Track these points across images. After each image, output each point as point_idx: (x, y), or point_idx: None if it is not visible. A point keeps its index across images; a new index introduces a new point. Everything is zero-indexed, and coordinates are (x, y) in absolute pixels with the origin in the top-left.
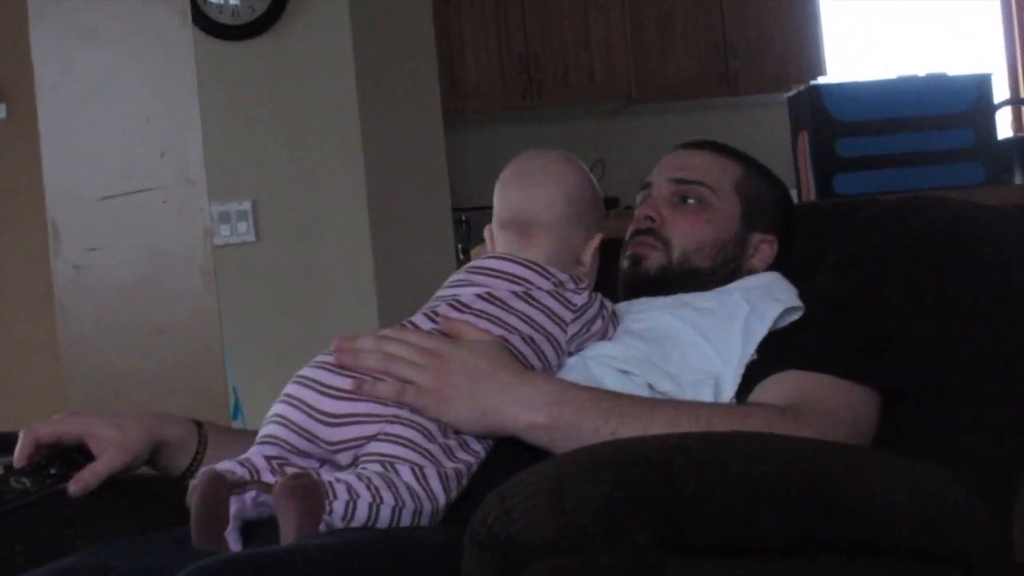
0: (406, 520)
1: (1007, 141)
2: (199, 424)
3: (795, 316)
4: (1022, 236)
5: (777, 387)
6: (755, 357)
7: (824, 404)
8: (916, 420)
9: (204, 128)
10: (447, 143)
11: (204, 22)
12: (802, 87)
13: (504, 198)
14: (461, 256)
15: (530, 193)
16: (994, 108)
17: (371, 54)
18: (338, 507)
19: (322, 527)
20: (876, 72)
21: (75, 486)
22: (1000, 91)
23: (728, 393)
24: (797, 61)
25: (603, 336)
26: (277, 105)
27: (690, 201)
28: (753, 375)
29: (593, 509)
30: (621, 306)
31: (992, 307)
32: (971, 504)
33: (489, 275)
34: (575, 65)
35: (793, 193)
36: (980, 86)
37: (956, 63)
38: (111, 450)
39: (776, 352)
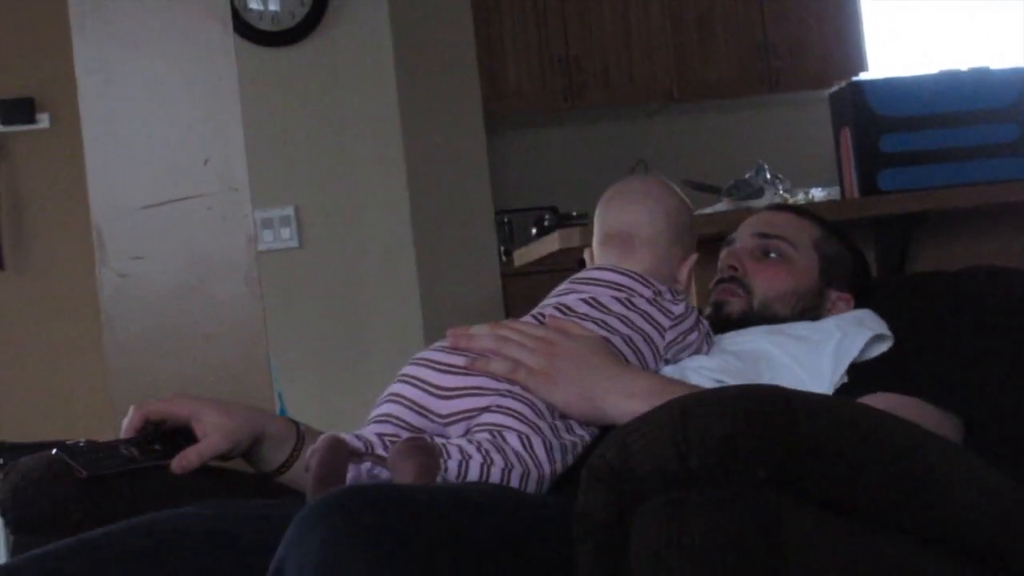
0: (515, 482)
1: None
2: (297, 425)
3: (885, 347)
4: None
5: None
6: (846, 380)
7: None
8: (989, 453)
9: (246, 135)
10: (488, 146)
11: (245, 29)
12: (843, 84)
13: (606, 216)
14: (504, 258)
15: (632, 211)
16: None
17: (411, 58)
18: (452, 465)
19: (438, 480)
20: (918, 67)
21: (178, 464)
22: None
23: None
24: (838, 58)
25: (699, 350)
26: (319, 110)
27: (772, 255)
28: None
29: (715, 443)
30: (718, 338)
31: None
32: None
33: (592, 284)
34: (616, 66)
35: (836, 190)
36: (1023, 80)
37: (999, 57)
38: (215, 434)
39: (867, 376)
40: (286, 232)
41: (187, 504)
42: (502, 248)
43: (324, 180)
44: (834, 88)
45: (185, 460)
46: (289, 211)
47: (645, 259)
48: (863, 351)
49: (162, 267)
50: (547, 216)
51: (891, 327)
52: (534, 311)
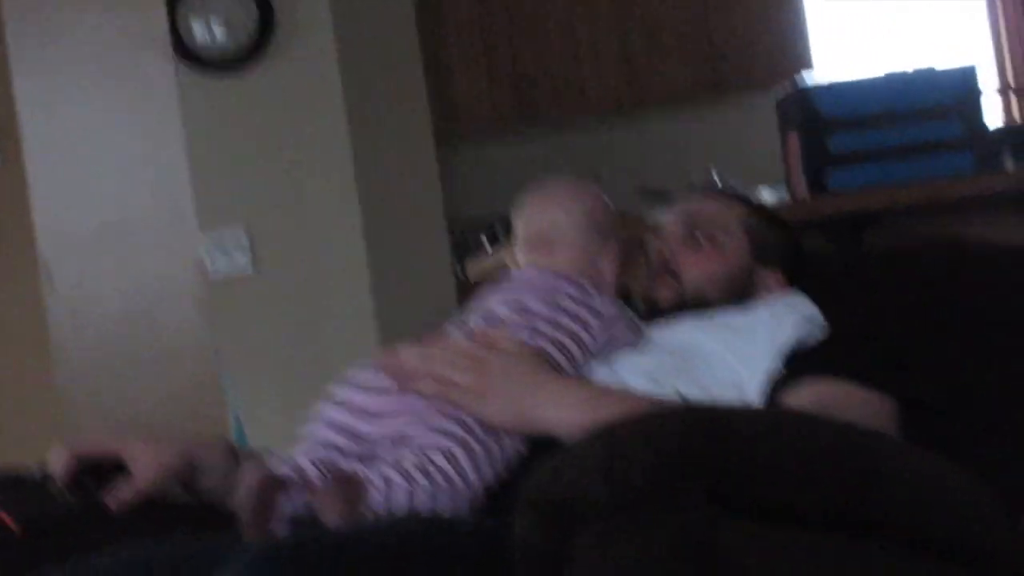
0: (443, 502)
1: (996, 130)
2: (235, 451)
3: (819, 334)
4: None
5: (799, 394)
6: (780, 368)
7: (848, 410)
8: (931, 433)
9: (196, 162)
10: (440, 164)
11: (190, 57)
12: (789, 87)
13: (526, 221)
14: (459, 271)
15: (549, 212)
16: (981, 98)
17: (359, 80)
18: (376, 496)
19: (364, 516)
20: (862, 66)
21: (113, 502)
22: (987, 80)
23: (753, 403)
24: (783, 58)
25: (628, 343)
26: (268, 135)
27: (699, 238)
28: (778, 385)
29: (643, 469)
30: (649, 328)
31: (1003, 339)
32: (999, 509)
33: (518, 287)
34: (565, 79)
35: (784, 189)
36: (966, 78)
37: (941, 54)
38: (148, 469)
39: (801, 364)
40: (241, 258)
41: (122, 546)
42: (457, 264)
43: (275, 204)
44: (780, 91)
45: (120, 497)
46: (242, 236)
47: (566, 258)
48: (797, 338)
49: (111, 294)
50: (501, 229)
51: (828, 306)
52: (461, 320)
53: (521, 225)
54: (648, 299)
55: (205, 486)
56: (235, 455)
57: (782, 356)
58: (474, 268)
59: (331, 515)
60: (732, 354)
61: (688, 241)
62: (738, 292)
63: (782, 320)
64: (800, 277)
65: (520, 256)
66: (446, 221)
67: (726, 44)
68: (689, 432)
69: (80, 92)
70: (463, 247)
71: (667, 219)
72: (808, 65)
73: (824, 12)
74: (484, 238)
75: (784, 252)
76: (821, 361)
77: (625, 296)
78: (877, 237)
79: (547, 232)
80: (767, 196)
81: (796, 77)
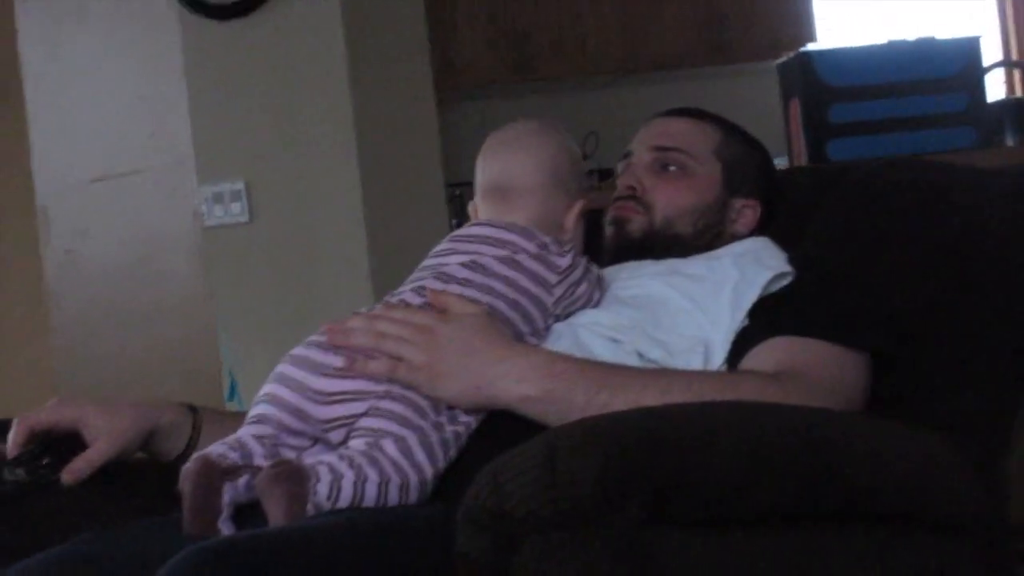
0: (393, 494)
1: (998, 103)
2: (194, 409)
3: (785, 281)
4: (1004, 200)
5: (767, 353)
6: (746, 323)
7: (814, 369)
8: (904, 383)
9: (196, 109)
10: (440, 119)
11: (193, 2)
12: (792, 54)
13: (484, 169)
14: (455, 229)
15: (508, 161)
16: (984, 71)
17: (362, 32)
18: (322, 489)
19: (309, 509)
20: (866, 37)
21: (69, 476)
22: (991, 54)
23: (718, 360)
24: (787, 28)
25: (589, 300)
26: (269, 84)
27: (670, 168)
28: (743, 341)
29: (584, 483)
30: (609, 271)
31: (974, 273)
32: (962, 469)
33: (473, 242)
34: (567, 38)
35: (786, 160)
36: (970, 49)
37: (947, 26)
38: (104, 438)
39: (766, 318)
40: (236, 206)
41: (70, 531)
42: (454, 221)
43: (275, 154)
44: (783, 59)
45: (75, 472)
46: (240, 185)
47: (525, 210)
48: (763, 289)
49: (108, 242)
50: None
51: (794, 233)
52: (413, 278)
53: (480, 172)
54: (619, 227)
55: (165, 448)
56: (195, 417)
57: (748, 309)
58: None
59: (275, 509)
60: (697, 308)
61: (658, 171)
62: (710, 223)
63: (748, 273)
64: (774, 204)
65: (479, 205)
66: (444, 177)
67: (729, 10)
68: (629, 443)
69: (83, 35)
70: (460, 204)
71: (637, 147)
72: (812, 38)
73: None
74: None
75: (759, 180)
76: (787, 314)
77: (590, 245)
78: None
79: (506, 182)
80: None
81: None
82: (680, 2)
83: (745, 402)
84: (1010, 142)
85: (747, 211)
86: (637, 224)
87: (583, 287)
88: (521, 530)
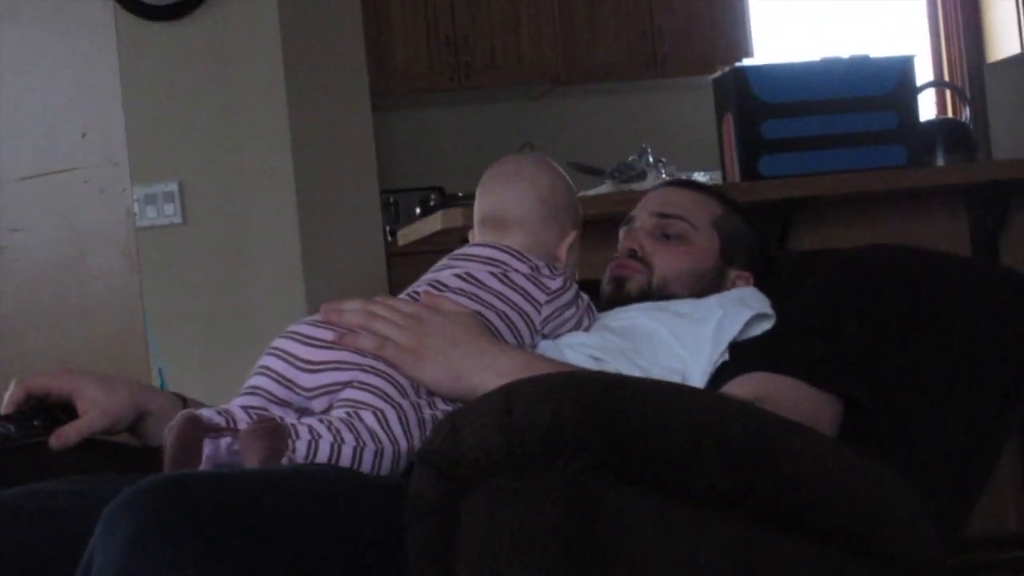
0: (367, 461)
1: (929, 123)
2: (184, 399)
3: (768, 325)
4: (969, 290)
5: (744, 385)
6: (727, 358)
7: (787, 404)
8: (873, 433)
9: (130, 110)
10: (375, 125)
11: (130, 2)
12: (727, 69)
13: (481, 200)
14: (389, 238)
15: (504, 192)
16: (916, 90)
17: (298, 35)
18: (300, 446)
19: (284, 463)
20: (801, 55)
21: (56, 440)
22: (923, 73)
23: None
24: (723, 44)
25: (578, 325)
26: (204, 86)
27: (671, 235)
28: (723, 375)
29: (538, 429)
30: (602, 314)
31: (949, 346)
32: (913, 505)
33: (468, 259)
34: (503, 47)
35: (719, 175)
36: (903, 68)
37: (880, 45)
38: (95, 411)
39: (746, 355)
40: (169, 208)
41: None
42: (387, 228)
43: (209, 156)
44: (717, 73)
45: (63, 437)
46: (173, 187)
47: (520, 238)
48: (745, 329)
49: (39, 240)
50: (433, 196)
51: (780, 303)
52: (410, 288)
53: (477, 204)
54: (618, 285)
55: (152, 431)
56: (184, 404)
57: (728, 345)
58: (405, 234)
59: (252, 459)
60: (677, 339)
61: (659, 237)
62: (705, 289)
63: (730, 310)
64: (766, 279)
65: (476, 233)
66: (379, 183)
67: (665, 24)
68: (584, 398)
69: (14, 34)
70: (395, 211)
71: (640, 213)
72: (749, 54)
73: (766, 2)
74: (418, 206)
75: (753, 253)
76: (766, 353)
77: (585, 282)
78: (804, 224)
79: (502, 213)
80: (700, 179)
81: (735, 66)
82: (617, 15)
83: (706, 392)
84: (940, 161)
85: (740, 282)
86: (636, 282)
87: (572, 310)
88: (473, 474)
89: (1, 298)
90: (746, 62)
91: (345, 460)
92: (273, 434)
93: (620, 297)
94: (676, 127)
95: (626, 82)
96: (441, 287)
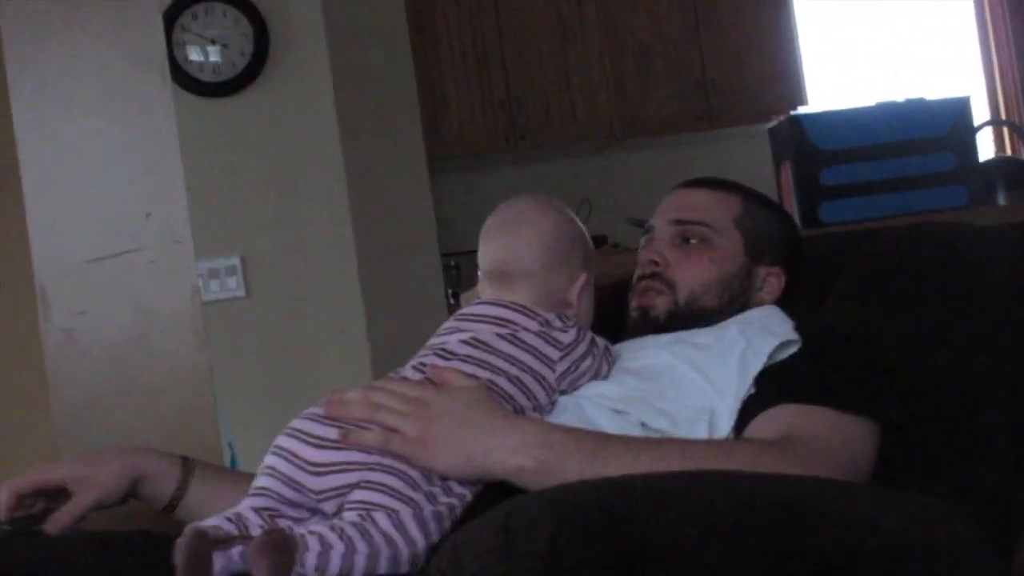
0: (383, 567)
1: (989, 162)
2: (186, 459)
3: (793, 349)
4: (1009, 255)
5: (772, 421)
6: (753, 391)
7: (818, 437)
8: (916, 450)
9: (190, 185)
10: (433, 189)
11: (186, 80)
12: (783, 118)
13: (484, 250)
14: (451, 301)
15: (507, 242)
16: (974, 130)
17: (353, 104)
18: (310, 559)
19: None
20: (857, 99)
21: (52, 526)
22: (980, 113)
23: (724, 429)
24: (777, 92)
25: (597, 373)
26: (262, 159)
27: (692, 241)
28: (749, 410)
29: (539, 555)
30: (621, 345)
31: (994, 337)
32: (965, 540)
33: (475, 320)
34: (557, 106)
35: None
36: (959, 109)
37: (935, 87)
38: (86, 487)
39: (774, 386)
40: (232, 281)
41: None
42: (449, 291)
43: (270, 228)
44: (773, 123)
45: (59, 520)
46: (235, 261)
47: (526, 290)
48: (769, 356)
49: (107, 321)
50: None
51: (810, 307)
52: (416, 356)
53: (481, 256)
54: (644, 314)
55: (153, 494)
56: (186, 464)
57: (754, 377)
58: (467, 297)
59: (261, 575)
60: (703, 377)
61: (680, 244)
62: (735, 295)
63: (753, 340)
64: (799, 270)
65: (480, 286)
66: (439, 248)
67: (718, 75)
68: (581, 514)
69: (77, 115)
70: (456, 273)
71: (657, 221)
72: (803, 101)
73: (819, 45)
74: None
75: (782, 245)
76: (793, 383)
77: (598, 322)
78: None
79: (506, 264)
80: None
81: (791, 112)
82: (668, 68)
83: (713, 470)
84: (1002, 200)
85: (771, 279)
86: (662, 305)
87: (588, 361)
88: None
89: (70, 381)
90: (801, 110)
91: (358, 571)
92: (281, 548)
93: (648, 323)
94: (733, 176)
95: (681, 134)
96: (448, 355)
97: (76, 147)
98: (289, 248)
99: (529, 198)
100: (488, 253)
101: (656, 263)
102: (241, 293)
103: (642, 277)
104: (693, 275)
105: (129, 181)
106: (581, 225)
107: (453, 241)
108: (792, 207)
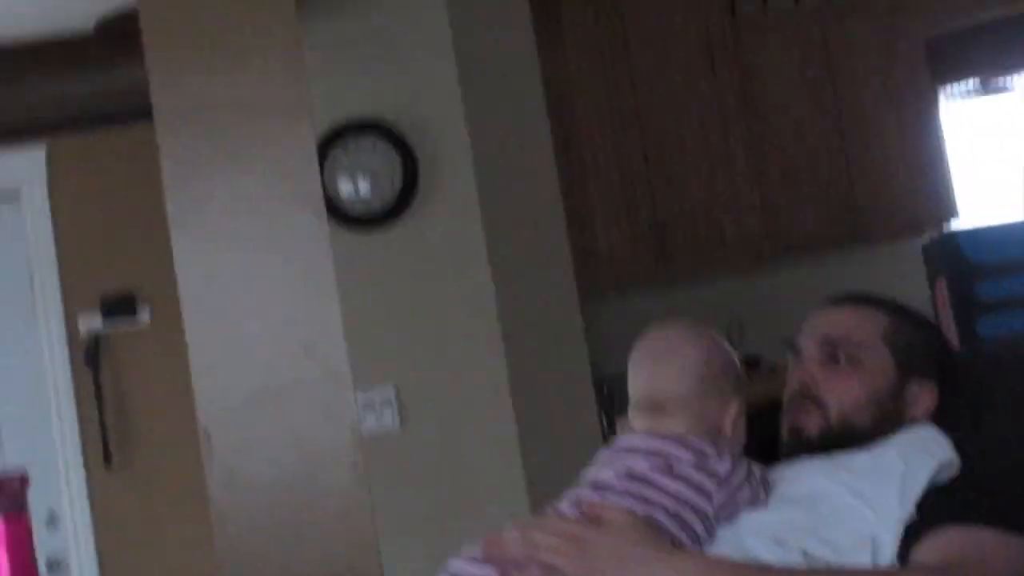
0: None
1: None
2: None
3: (952, 470)
4: None
5: (936, 545)
6: (914, 515)
7: (983, 560)
8: None
9: (343, 318)
10: (584, 314)
11: (338, 214)
12: (935, 232)
13: (634, 379)
14: (606, 427)
15: (657, 371)
16: None
17: (503, 233)
18: None
19: None
20: (1008, 211)
21: None
22: None
23: (887, 555)
24: (927, 206)
25: (753, 502)
26: (413, 290)
27: (840, 360)
28: (912, 534)
29: None
30: (776, 468)
31: None
32: None
33: (629, 453)
34: (705, 227)
35: None
36: None
37: None
38: None
39: (935, 509)
40: (387, 413)
41: None
42: (603, 416)
43: (422, 358)
44: (925, 237)
45: None
46: (390, 392)
47: (679, 420)
48: (929, 479)
49: (269, 458)
50: None
51: (968, 423)
52: (573, 490)
53: (631, 385)
54: (796, 435)
55: None
56: None
57: (914, 501)
58: (622, 424)
59: None
60: (862, 502)
61: (828, 364)
62: (888, 412)
63: (912, 462)
64: (951, 383)
65: (631, 417)
66: (592, 375)
67: (866, 190)
68: None
69: (237, 253)
70: (609, 399)
71: (805, 342)
72: (953, 214)
73: (967, 155)
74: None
75: (932, 359)
76: (956, 505)
77: (752, 445)
78: None
79: (657, 393)
80: None
81: (942, 226)
82: (815, 185)
83: None
84: None
85: (924, 395)
86: (814, 425)
87: (745, 491)
88: None
89: (234, 519)
90: (952, 223)
91: None
92: None
93: (801, 444)
94: (887, 291)
95: (830, 251)
96: (604, 489)
97: (236, 284)
98: (442, 379)
99: (677, 325)
100: (639, 382)
101: (806, 383)
102: (396, 425)
103: (792, 398)
104: (843, 394)
105: (287, 316)
106: (731, 350)
107: (606, 366)
108: (949, 323)
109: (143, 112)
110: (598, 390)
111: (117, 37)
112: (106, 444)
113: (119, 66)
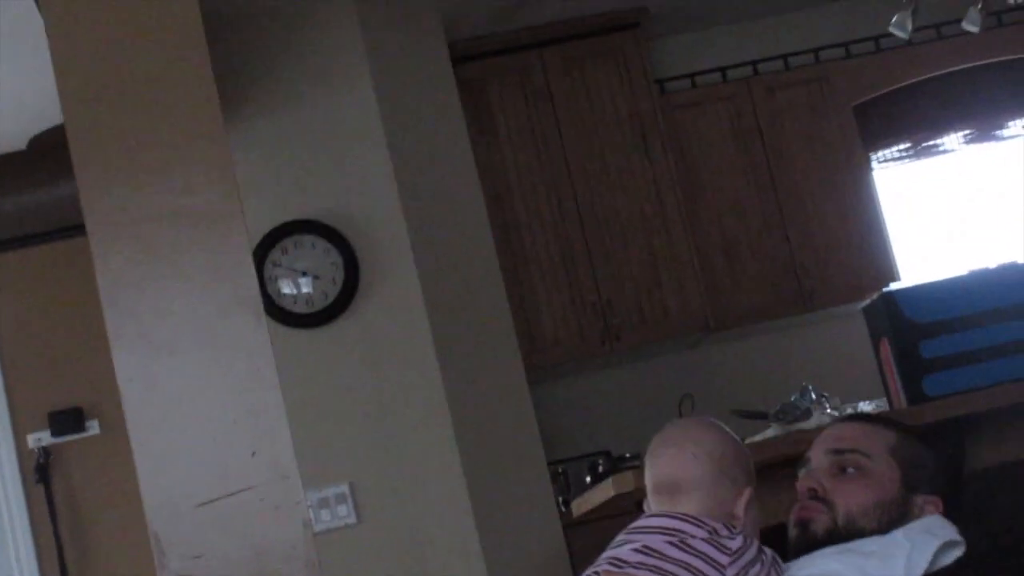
0: None
1: None
2: None
3: (958, 552)
4: None
5: None
6: None
7: None
8: None
9: (293, 417)
10: (534, 398)
11: (280, 314)
12: (876, 296)
13: (652, 466)
14: (563, 509)
15: (674, 458)
16: None
17: (448, 323)
18: None
19: None
20: (948, 267)
21: None
22: None
23: None
24: (869, 269)
25: None
26: (363, 384)
27: (849, 470)
28: None
29: None
30: (788, 564)
31: None
32: None
33: (644, 532)
34: (649, 305)
35: (884, 402)
36: None
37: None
38: None
39: None
40: (343, 509)
41: None
42: (560, 499)
43: (375, 453)
44: (866, 301)
45: None
46: (344, 488)
47: (694, 501)
48: (935, 560)
49: (221, 563)
50: (601, 461)
51: (971, 525)
52: (591, 568)
53: (648, 472)
54: (803, 529)
55: None
56: None
57: (922, 569)
58: (579, 504)
59: None
60: None
61: (837, 474)
62: (894, 519)
63: (917, 542)
64: (957, 499)
65: (650, 501)
66: (545, 457)
67: (807, 260)
68: None
69: (177, 361)
70: (564, 481)
71: (814, 453)
72: (894, 277)
73: (903, 217)
74: (587, 473)
75: (938, 477)
76: None
77: (765, 530)
78: (980, 439)
79: (674, 478)
80: (866, 409)
81: (882, 290)
82: (756, 257)
83: None
84: None
85: (929, 507)
86: (821, 523)
87: (756, 568)
88: None
89: None
90: (893, 286)
91: None
92: None
93: (807, 540)
94: (833, 359)
95: (776, 320)
96: (621, 564)
97: (178, 393)
98: (396, 470)
99: (692, 419)
100: (656, 468)
101: (814, 489)
102: (352, 520)
103: (801, 500)
104: (851, 498)
105: (232, 422)
106: (742, 444)
107: (559, 448)
108: (895, 383)
109: (81, 226)
110: (553, 474)
111: (51, 151)
112: (62, 560)
113: (54, 181)
